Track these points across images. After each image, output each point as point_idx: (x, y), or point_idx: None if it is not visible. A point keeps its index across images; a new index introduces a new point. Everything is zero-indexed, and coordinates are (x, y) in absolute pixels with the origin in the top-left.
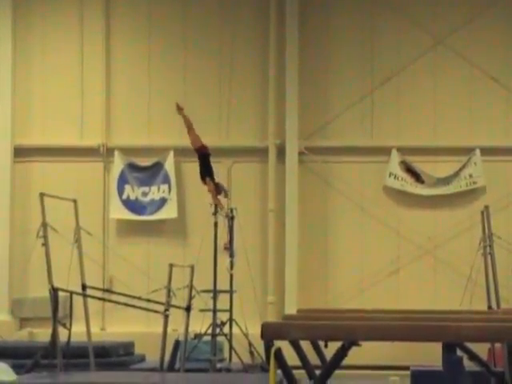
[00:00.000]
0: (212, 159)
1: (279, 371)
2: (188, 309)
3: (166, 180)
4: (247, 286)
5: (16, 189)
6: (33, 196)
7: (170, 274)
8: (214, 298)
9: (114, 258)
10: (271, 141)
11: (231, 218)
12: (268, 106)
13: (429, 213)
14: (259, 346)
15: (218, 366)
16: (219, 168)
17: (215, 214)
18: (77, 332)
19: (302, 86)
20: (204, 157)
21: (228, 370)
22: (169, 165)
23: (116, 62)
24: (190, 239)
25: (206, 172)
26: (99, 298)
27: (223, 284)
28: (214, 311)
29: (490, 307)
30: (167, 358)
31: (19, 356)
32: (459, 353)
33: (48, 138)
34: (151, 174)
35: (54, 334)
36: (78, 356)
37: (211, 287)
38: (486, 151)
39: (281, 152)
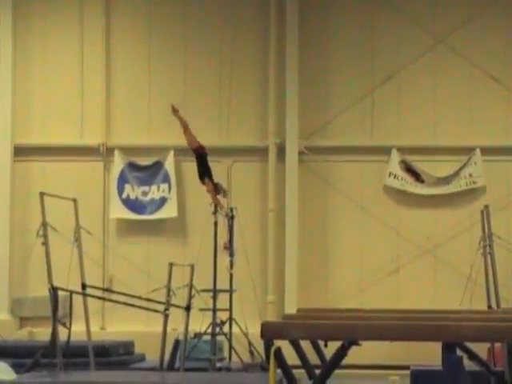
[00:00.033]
0: (212, 158)
1: (279, 370)
2: (188, 308)
3: (166, 179)
4: (247, 285)
5: (16, 188)
6: (33, 195)
7: (169, 274)
8: (214, 298)
9: (113, 258)
10: (271, 140)
11: (231, 218)
12: (268, 106)
13: (429, 212)
14: (259, 345)
15: (218, 365)
16: (219, 167)
17: (215, 213)
18: (77, 331)
19: (302, 85)
20: (201, 157)
21: (228, 370)
22: (169, 164)
23: (116, 62)
24: (189, 238)
25: (205, 172)
26: (99, 298)
27: (223, 283)
28: (214, 310)
29: (489, 307)
30: (167, 357)
31: (19, 355)
32: (459, 352)
33: (48, 138)
34: (151, 173)
35: (54, 334)
36: (77, 355)
37: (211, 286)
38: (486, 151)
39: (281, 151)
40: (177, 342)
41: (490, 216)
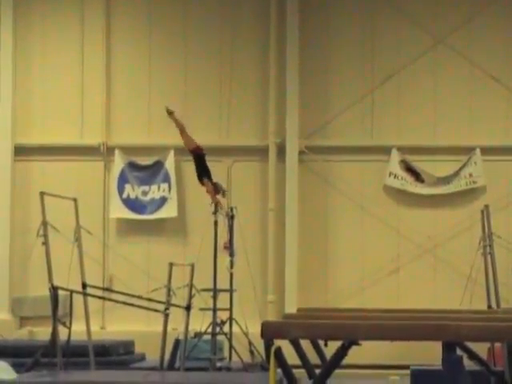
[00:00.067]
0: (212, 158)
1: (279, 370)
2: (188, 308)
3: (167, 179)
4: (247, 284)
5: (16, 188)
6: (33, 195)
7: (170, 273)
8: (214, 297)
9: (114, 257)
10: (271, 140)
11: (231, 217)
12: (268, 106)
13: (429, 212)
14: (259, 344)
15: (218, 364)
16: (219, 167)
17: (215, 213)
18: (77, 331)
19: (302, 85)
20: (199, 157)
21: (228, 369)
22: (169, 164)
23: (116, 61)
24: (190, 238)
25: (203, 172)
26: (99, 297)
27: (223, 283)
28: (214, 310)
29: (489, 307)
30: (167, 356)
31: (19, 355)
32: (459, 352)
33: (48, 137)
34: (151, 173)
35: (54, 333)
36: (78, 355)
37: (211, 286)
38: (487, 151)
39: (281, 151)
40: (177, 342)
41: (490, 216)
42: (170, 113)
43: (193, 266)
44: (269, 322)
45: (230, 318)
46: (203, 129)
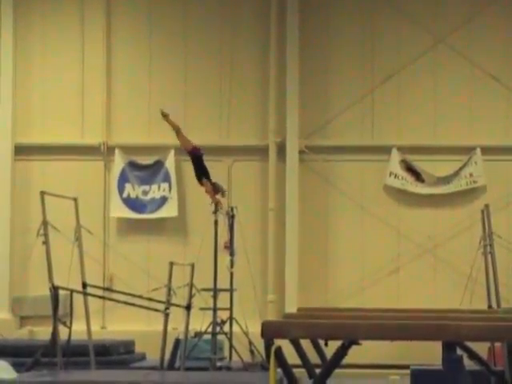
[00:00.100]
0: (212, 158)
1: (279, 370)
2: (188, 307)
3: (167, 178)
4: (247, 284)
5: (16, 187)
6: (33, 194)
7: (170, 273)
8: (215, 297)
9: (114, 257)
10: (272, 139)
11: (231, 217)
12: (268, 105)
13: (429, 212)
14: (259, 344)
15: (218, 364)
16: (219, 167)
17: (215, 212)
18: (77, 330)
19: (302, 84)
20: (197, 158)
21: (228, 369)
22: (169, 163)
23: (116, 61)
24: (190, 238)
25: (202, 173)
26: (99, 297)
27: (223, 282)
28: (215, 310)
29: (490, 306)
30: (167, 356)
31: (19, 354)
32: (459, 352)
33: (48, 137)
34: (152, 172)
35: (55, 333)
36: (78, 354)
37: (211, 286)
38: (487, 150)
39: (281, 151)
40: (177, 341)
41: (491, 215)
42: (165, 115)
43: (193, 265)
44: (269, 322)
45: (230, 318)
46: (203, 128)
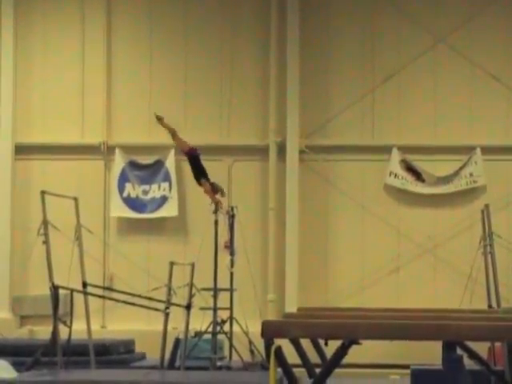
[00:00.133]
0: (212, 157)
1: (279, 369)
2: (188, 307)
3: (167, 178)
4: (247, 284)
5: (17, 187)
6: (33, 194)
7: (170, 272)
8: (215, 296)
9: (114, 256)
10: (272, 139)
11: (232, 217)
12: (269, 105)
13: (429, 211)
14: (259, 344)
15: (218, 364)
16: (220, 166)
17: (216, 212)
18: (77, 330)
19: (302, 84)
20: (194, 158)
21: (228, 368)
22: (170, 163)
23: (117, 60)
24: (190, 237)
25: (200, 173)
26: (100, 296)
27: (223, 282)
28: (215, 309)
29: (490, 306)
30: (167, 356)
31: (20, 354)
32: (459, 351)
33: (49, 136)
34: (152, 172)
35: (55, 332)
36: (78, 354)
37: (211, 285)
38: (487, 150)
39: (281, 150)
40: (177, 341)
41: (491, 215)
42: (160, 119)
43: (193, 265)
44: (269, 322)
45: (231, 318)
46: (203, 128)
